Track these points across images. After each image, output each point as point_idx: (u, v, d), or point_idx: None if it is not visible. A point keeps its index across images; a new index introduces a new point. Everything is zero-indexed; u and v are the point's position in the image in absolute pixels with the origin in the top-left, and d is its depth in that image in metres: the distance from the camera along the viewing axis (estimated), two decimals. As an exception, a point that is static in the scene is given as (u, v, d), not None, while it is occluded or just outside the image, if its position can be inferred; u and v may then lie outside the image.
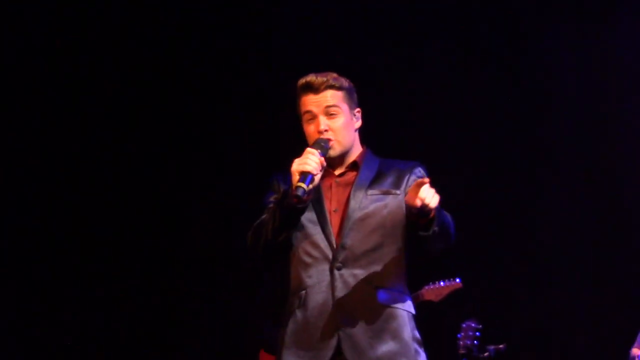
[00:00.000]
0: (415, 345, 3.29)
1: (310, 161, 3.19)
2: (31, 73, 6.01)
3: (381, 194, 3.34)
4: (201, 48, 6.25)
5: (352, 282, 3.25)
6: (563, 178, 6.00)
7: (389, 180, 3.37)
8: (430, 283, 5.07)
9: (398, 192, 3.34)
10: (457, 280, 5.07)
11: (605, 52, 5.99)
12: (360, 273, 3.26)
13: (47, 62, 6.04)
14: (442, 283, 5.05)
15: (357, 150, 3.43)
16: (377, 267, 3.27)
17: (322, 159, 3.23)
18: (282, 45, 6.12)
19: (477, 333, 5.04)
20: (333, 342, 3.21)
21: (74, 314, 6.02)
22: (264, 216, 3.33)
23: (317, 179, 3.21)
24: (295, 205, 3.20)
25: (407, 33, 6.14)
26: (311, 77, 3.36)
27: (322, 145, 3.27)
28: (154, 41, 6.21)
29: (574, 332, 5.88)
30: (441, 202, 3.14)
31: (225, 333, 6.10)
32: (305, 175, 3.16)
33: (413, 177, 3.37)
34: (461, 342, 5.03)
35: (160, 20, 6.21)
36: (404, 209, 3.30)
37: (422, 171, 3.41)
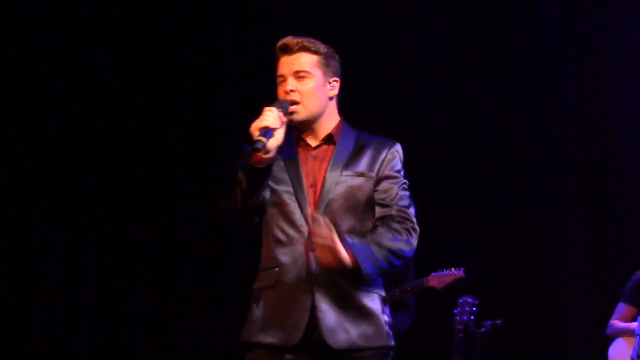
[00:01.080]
0: (387, 329, 3.25)
1: (266, 116, 3.13)
2: (31, 72, 5.98)
3: (355, 175, 3.27)
4: (201, 46, 6.22)
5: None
6: (558, 160, 6.00)
7: (365, 160, 3.29)
8: (439, 270, 5.07)
9: (372, 174, 3.28)
10: (461, 270, 5.06)
11: (604, 45, 5.98)
12: None
13: (46, 61, 6.00)
14: (446, 272, 5.04)
15: (332, 122, 3.34)
16: None
17: (281, 114, 3.16)
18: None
19: (474, 308, 5.03)
20: (305, 320, 3.16)
21: (73, 314, 6.00)
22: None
23: (277, 134, 3.13)
24: (254, 165, 3.13)
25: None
26: (288, 39, 3.31)
27: (281, 104, 3.21)
28: (153, 39, 6.18)
29: (570, 306, 5.90)
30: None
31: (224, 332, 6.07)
32: (265, 130, 3.10)
33: (388, 159, 3.29)
34: (458, 318, 5.02)
35: (158, 19, 6.17)
36: (373, 192, 3.26)
37: (397, 152, 3.33)
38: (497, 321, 5.10)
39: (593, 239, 5.94)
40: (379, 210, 3.27)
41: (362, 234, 3.21)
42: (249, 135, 3.12)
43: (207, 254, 6.14)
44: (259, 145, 3.08)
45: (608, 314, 5.33)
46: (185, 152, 6.19)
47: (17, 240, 5.94)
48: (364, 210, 3.27)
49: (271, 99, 3.26)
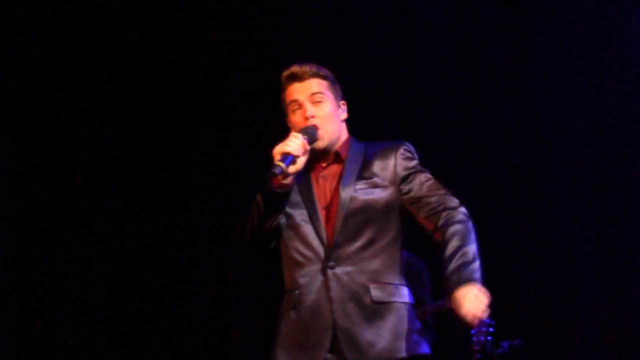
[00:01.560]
0: (415, 337, 3.27)
1: (291, 142, 3.16)
2: (41, 69, 6.00)
3: (370, 187, 3.30)
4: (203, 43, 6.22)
5: (346, 280, 3.23)
6: (574, 168, 5.94)
7: (376, 169, 3.32)
8: None
9: (386, 183, 3.30)
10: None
11: (617, 43, 5.95)
12: (354, 270, 3.24)
13: (44, 60, 6.01)
14: None
15: (340, 142, 3.38)
16: (371, 263, 3.25)
17: (306, 142, 3.19)
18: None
19: (491, 329, 5.00)
20: (327, 342, 3.20)
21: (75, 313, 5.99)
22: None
23: (299, 162, 3.16)
24: (273, 189, 3.15)
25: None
26: (295, 68, 3.35)
27: (309, 132, 3.24)
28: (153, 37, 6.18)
29: (589, 326, 5.84)
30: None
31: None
32: (285, 156, 3.13)
33: (400, 161, 3.32)
34: (475, 338, 4.98)
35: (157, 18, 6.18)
36: (394, 200, 3.29)
37: (406, 151, 3.36)
38: (515, 342, 5.06)
39: (614, 258, 5.88)
40: (422, 210, 3.28)
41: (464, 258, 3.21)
42: (270, 158, 3.15)
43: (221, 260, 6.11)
44: (277, 170, 3.11)
45: (629, 335, 5.27)
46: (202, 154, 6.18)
47: (28, 239, 5.94)
48: (383, 220, 3.29)
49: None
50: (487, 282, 5.72)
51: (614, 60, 5.93)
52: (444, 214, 3.26)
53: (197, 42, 6.24)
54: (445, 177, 5.87)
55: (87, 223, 6.05)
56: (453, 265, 3.18)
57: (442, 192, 3.32)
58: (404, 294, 3.30)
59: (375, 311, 3.22)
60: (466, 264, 3.17)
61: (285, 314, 3.28)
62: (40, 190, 5.99)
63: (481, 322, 5.01)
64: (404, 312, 3.27)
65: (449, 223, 3.24)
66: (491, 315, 5.02)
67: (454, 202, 3.30)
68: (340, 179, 3.30)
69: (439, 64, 6.11)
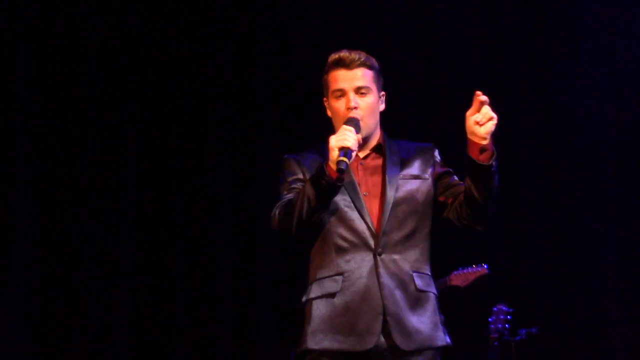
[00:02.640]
0: (445, 327, 3.34)
1: (349, 137, 3.18)
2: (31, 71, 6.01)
3: (412, 179, 3.36)
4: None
5: (392, 267, 3.27)
6: (594, 158, 5.95)
7: (416, 164, 3.39)
8: (460, 268, 5.07)
9: (427, 176, 3.38)
10: (485, 266, 5.07)
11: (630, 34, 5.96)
12: (399, 258, 3.29)
13: (43, 59, 6.02)
14: (469, 269, 5.05)
15: (378, 133, 3.42)
16: (413, 252, 3.31)
17: (359, 136, 3.22)
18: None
19: (509, 317, 5.03)
20: (378, 326, 3.23)
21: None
22: (288, 195, 3.30)
23: (354, 155, 3.20)
24: (334, 182, 3.17)
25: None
26: (344, 53, 3.35)
27: (356, 124, 3.26)
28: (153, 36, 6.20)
29: (606, 314, 5.84)
30: None
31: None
32: (345, 150, 3.15)
33: (436, 161, 3.42)
34: (493, 326, 5.02)
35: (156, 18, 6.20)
36: (432, 193, 3.36)
37: (439, 154, 3.46)
38: (532, 329, 5.09)
39: (631, 245, 5.88)
40: (452, 193, 3.36)
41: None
42: (304, 155, 3.23)
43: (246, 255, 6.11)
44: (343, 166, 3.14)
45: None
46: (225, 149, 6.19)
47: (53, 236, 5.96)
48: (424, 211, 3.36)
49: (314, 104, 3.27)
50: (505, 269, 5.78)
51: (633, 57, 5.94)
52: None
53: (218, 40, 6.23)
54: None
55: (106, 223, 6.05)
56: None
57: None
58: (434, 286, 3.38)
59: (418, 299, 3.28)
60: None
61: (321, 298, 3.27)
62: (56, 190, 5.98)
63: (499, 310, 5.05)
64: (436, 302, 3.34)
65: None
66: (508, 304, 5.08)
67: None
68: (384, 170, 3.35)
69: (462, 61, 6.11)
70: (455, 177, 3.42)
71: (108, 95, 6.02)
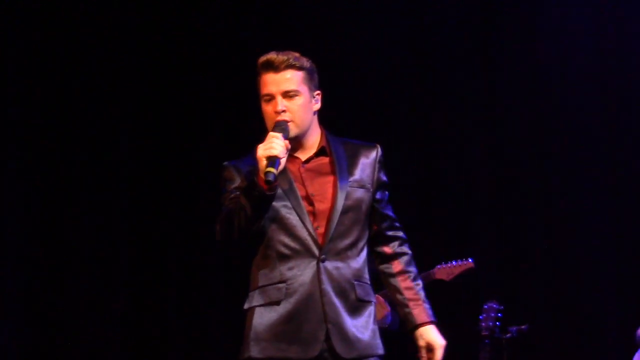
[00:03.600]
0: (379, 337, 3.35)
1: (276, 145, 3.13)
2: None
3: (358, 187, 3.33)
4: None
5: (335, 274, 3.25)
6: (583, 149, 5.94)
7: (360, 169, 3.35)
8: (442, 262, 5.06)
9: (369, 186, 3.35)
10: (470, 260, 5.05)
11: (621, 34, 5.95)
12: (342, 266, 3.26)
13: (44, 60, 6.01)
14: (454, 262, 5.03)
15: (317, 133, 3.37)
16: (354, 261, 3.30)
17: (287, 142, 3.18)
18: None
19: (499, 314, 5.01)
20: (322, 333, 3.20)
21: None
22: (229, 206, 3.25)
23: (282, 162, 3.15)
24: (265, 192, 3.14)
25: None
26: (272, 55, 3.30)
27: (284, 128, 3.22)
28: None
29: (597, 311, 5.84)
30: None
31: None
32: (273, 160, 3.11)
33: (379, 169, 3.38)
34: (483, 324, 5.00)
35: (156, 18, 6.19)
36: (371, 203, 3.36)
37: (382, 156, 3.41)
38: (523, 327, 5.07)
39: (623, 241, 5.87)
40: (378, 220, 3.40)
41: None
42: (243, 160, 3.19)
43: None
44: (271, 177, 3.10)
45: (637, 320, 5.27)
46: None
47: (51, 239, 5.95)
48: (364, 221, 3.35)
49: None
50: (495, 266, 5.77)
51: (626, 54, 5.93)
52: (398, 241, 3.41)
53: (206, 44, 6.23)
54: (463, 169, 5.99)
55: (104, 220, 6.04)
56: (412, 294, 3.40)
57: (394, 217, 3.43)
58: (373, 294, 3.37)
59: (357, 308, 3.27)
60: (425, 301, 3.40)
61: (263, 307, 3.24)
62: (50, 189, 5.97)
63: (490, 307, 5.03)
64: (374, 312, 3.34)
65: (402, 252, 3.42)
66: (499, 301, 5.06)
67: (402, 231, 3.45)
68: (334, 175, 3.30)
69: (454, 61, 6.11)
70: (386, 198, 3.41)
71: (104, 93, 6.03)
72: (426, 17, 6.16)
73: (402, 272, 3.39)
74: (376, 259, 3.42)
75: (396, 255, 3.40)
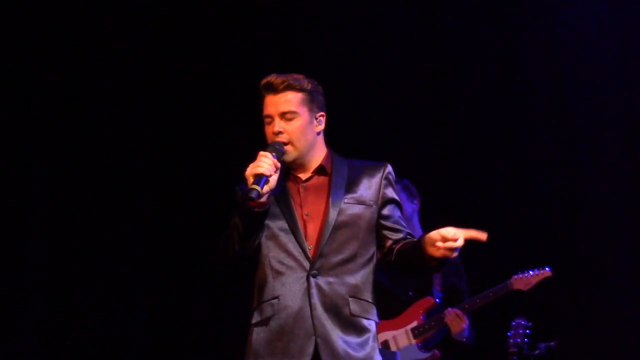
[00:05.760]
0: (377, 354, 3.32)
1: (262, 163, 3.18)
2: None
3: (356, 203, 3.35)
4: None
5: (327, 290, 3.27)
6: (610, 170, 5.94)
7: (362, 187, 3.37)
8: (519, 272, 5.07)
9: (371, 202, 3.36)
10: (547, 269, 5.06)
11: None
12: (335, 282, 3.28)
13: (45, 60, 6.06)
14: (531, 272, 5.04)
15: (320, 153, 3.41)
16: (351, 277, 3.30)
17: (276, 160, 3.21)
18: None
19: (527, 331, 5.01)
20: (310, 348, 3.22)
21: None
22: (229, 229, 3.31)
23: (272, 180, 3.19)
24: (252, 210, 3.19)
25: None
26: (272, 77, 3.36)
27: (277, 148, 3.27)
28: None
29: (626, 328, 5.82)
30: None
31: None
32: (259, 178, 3.15)
33: (385, 185, 3.39)
34: (511, 340, 5.00)
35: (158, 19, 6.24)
36: (375, 220, 3.36)
37: (390, 174, 3.43)
38: (551, 343, 5.07)
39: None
40: (390, 234, 3.38)
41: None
42: (243, 179, 3.19)
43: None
44: (253, 195, 3.14)
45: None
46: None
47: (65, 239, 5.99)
48: (365, 238, 3.35)
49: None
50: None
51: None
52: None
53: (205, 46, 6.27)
54: (482, 180, 6.01)
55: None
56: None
57: (407, 228, 3.42)
58: (375, 314, 3.36)
59: (351, 324, 3.27)
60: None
61: (260, 323, 3.29)
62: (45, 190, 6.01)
63: (518, 324, 5.05)
64: (375, 329, 3.33)
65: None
66: (527, 317, 5.07)
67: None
68: (328, 192, 3.34)
69: (471, 65, 6.14)
70: (397, 214, 3.40)
71: (119, 98, 6.08)
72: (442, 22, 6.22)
73: (400, 245, 3.35)
74: (395, 265, 3.37)
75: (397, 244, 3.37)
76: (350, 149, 3.65)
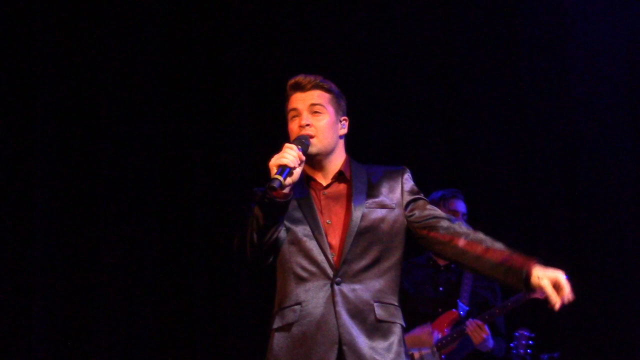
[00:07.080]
0: (406, 358, 3.31)
1: (287, 154, 3.18)
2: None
3: (378, 207, 3.35)
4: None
5: (351, 296, 3.26)
6: (617, 177, 5.96)
7: (383, 191, 3.38)
8: None
9: (393, 205, 3.37)
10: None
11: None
12: (359, 288, 3.28)
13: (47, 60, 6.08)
14: None
15: (340, 158, 3.42)
16: (375, 282, 3.30)
17: (301, 153, 3.22)
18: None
19: (530, 342, 5.02)
20: (333, 356, 3.21)
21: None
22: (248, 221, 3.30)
23: (295, 173, 3.19)
24: (274, 199, 3.18)
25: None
26: (300, 77, 3.39)
27: (303, 142, 3.28)
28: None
29: (628, 340, 5.83)
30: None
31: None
32: (282, 168, 3.16)
33: (406, 186, 3.40)
34: (514, 351, 5.02)
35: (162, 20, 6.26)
36: (400, 222, 3.35)
37: (410, 177, 3.44)
38: (555, 354, 5.08)
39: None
40: (429, 222, 3.36)
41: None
42: (267, 169, 3.19)
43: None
44: (275, 184, 3.14)
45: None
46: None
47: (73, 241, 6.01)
48: (389, 241, 3.35)
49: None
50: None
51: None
52: (462, 230, 3.35)
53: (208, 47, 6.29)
54: (489, 184, 6.01)
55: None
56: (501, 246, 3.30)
57: (445, 215, 3.41)
58: (401, 317, 3.35)
59: (378, 329, 3.27)
60: (506, 247, 3.32)
61: (281, 329, 3.29)
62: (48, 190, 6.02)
63: (521, 335, 5.06)
64: (401, 333, 3.32)
65: (472, 232, 3.35)
66: (530, 329, 5.08)
67: (461, 224, 3.41)
68: (350, 198, 3.35)
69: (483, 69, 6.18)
70: (428, 205, 3.40)
71: (126, 99, 6.10)
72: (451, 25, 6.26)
73: (470, 241, 3.31)
74: (448, 257, 3.37)
75: (457, 234, 3.34)
76: (361, 155, 3.66)
